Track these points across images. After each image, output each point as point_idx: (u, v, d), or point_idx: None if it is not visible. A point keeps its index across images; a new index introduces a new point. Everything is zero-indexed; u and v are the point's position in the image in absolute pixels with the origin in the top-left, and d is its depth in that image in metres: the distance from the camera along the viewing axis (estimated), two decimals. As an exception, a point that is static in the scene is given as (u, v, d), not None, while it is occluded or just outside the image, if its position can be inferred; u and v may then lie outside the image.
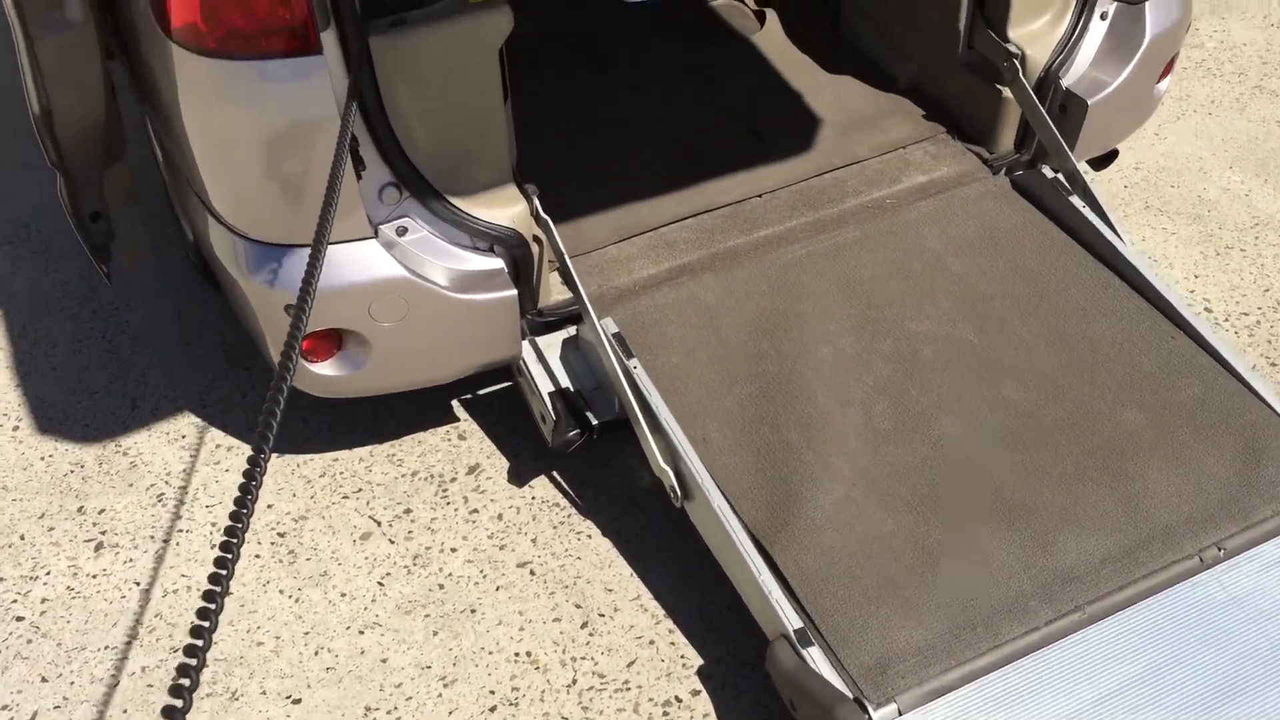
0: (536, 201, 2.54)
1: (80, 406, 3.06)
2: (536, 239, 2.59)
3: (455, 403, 3.00)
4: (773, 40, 3.45)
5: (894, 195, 2.95)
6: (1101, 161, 3.26)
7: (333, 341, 2.51)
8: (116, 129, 2.66)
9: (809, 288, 2.72)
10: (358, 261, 2.38)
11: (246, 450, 2.92)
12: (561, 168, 2.98)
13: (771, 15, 3.51)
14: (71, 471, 2.89)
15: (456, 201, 2.47)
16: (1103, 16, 2.96)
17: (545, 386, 2.63)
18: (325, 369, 2.54)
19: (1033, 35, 2.94)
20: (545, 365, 2.66)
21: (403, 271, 2.40)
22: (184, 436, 2.97)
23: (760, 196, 2.96)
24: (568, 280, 2.56)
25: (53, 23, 2.41)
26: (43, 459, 2.93)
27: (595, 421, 2.56)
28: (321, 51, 2.14)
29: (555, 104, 3.20)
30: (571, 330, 2.70)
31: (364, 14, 2.20)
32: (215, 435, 2.97)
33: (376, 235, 2.41)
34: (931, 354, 2.57)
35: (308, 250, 2.36)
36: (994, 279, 2.73)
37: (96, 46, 2.41)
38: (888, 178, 3.00)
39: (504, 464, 2.86)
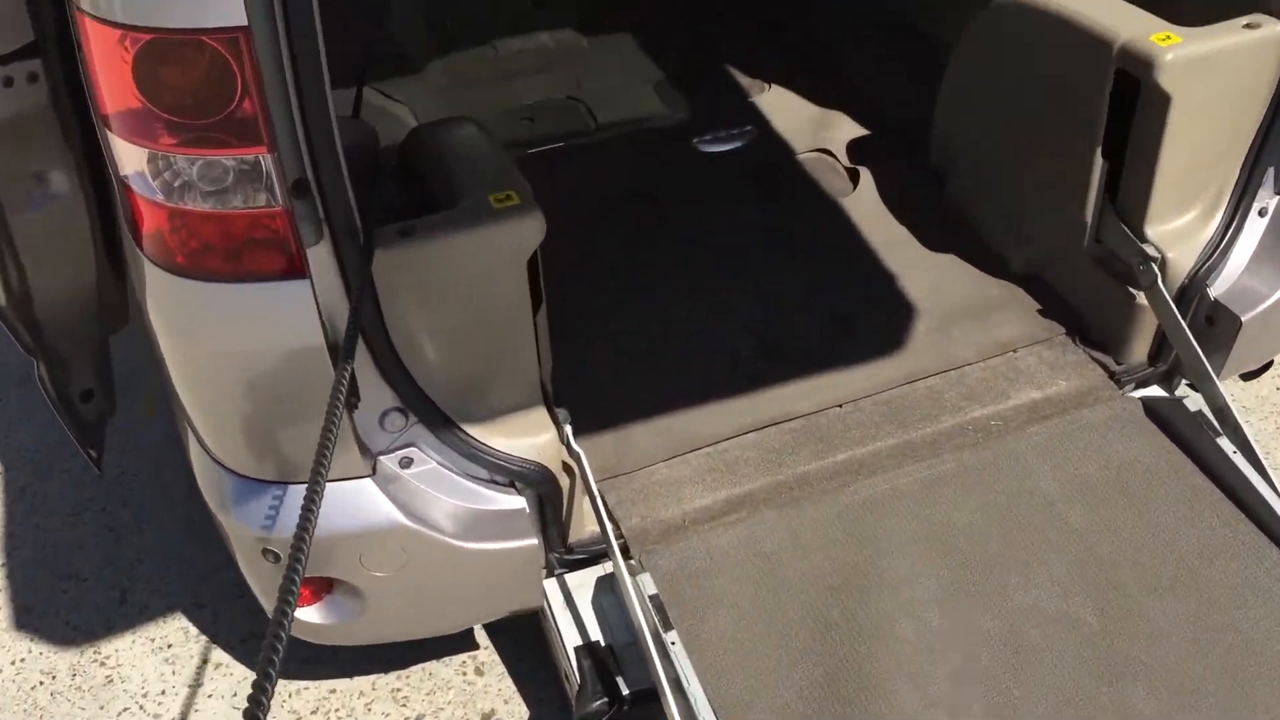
0: (569, 430, 2.15)
1: (66, 597, 2.74)
2: (568, 467, 2.20)
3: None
4: (866, 205, 3.02)
5: (1000, 415, 2.49)
6: (1254, 371, 2.76)
7: (321, 584, 2.14)
8: (116, 295, 2.35)
9: (893, 536, 2.27)
10: (348, 505, 2.01)
11: (234, 672, 2.56)
12: (605, 361, 2.58)
13: (866, 175, 3.09)
14: (41, 684, 2.56)
15: (472, 429, 2.08)
16: (1261, 213, 2.49)
17: (572, 639, 2.21)
18: (312, 615, 2.17)
19: (1175, 234, 2.47)
20: (573, 612, 2.25)
21: (401, 519, 2.02)
22: (170, 646, 2.61)
23: (841, 407, 2.52)
24: (600, 526, 2.15)
25: (35, 199, 2.13)
26: (13, 663, 2.60)
27: (627, 691, 2.13)
28: (307, 275, 1.78)
29: (600, 279, 2.80)
30: (608, 567, 2.29)
31: (365, 225, 1.84)
32: (203, 647, 2.61)
33: (374, 472, 2.03)
34: (1040, 638, 2.10)
35: (292, 488, 2.04)
36: (1121, 538, 2.24)
37: (87, 214, 2.11)
38: (994, 391, 2.54)
39: (524, 714, 2.45)
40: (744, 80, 3.49)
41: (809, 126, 3.29)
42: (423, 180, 2.15)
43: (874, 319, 2.71)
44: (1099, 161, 2.49)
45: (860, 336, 2.67)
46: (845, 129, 3.26)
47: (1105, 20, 2.42)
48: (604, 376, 2.54)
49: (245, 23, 1.57)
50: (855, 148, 3.20)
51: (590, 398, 2.43)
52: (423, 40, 3.58)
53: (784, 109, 3.36)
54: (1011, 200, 2.82)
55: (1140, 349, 2.58)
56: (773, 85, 3.45)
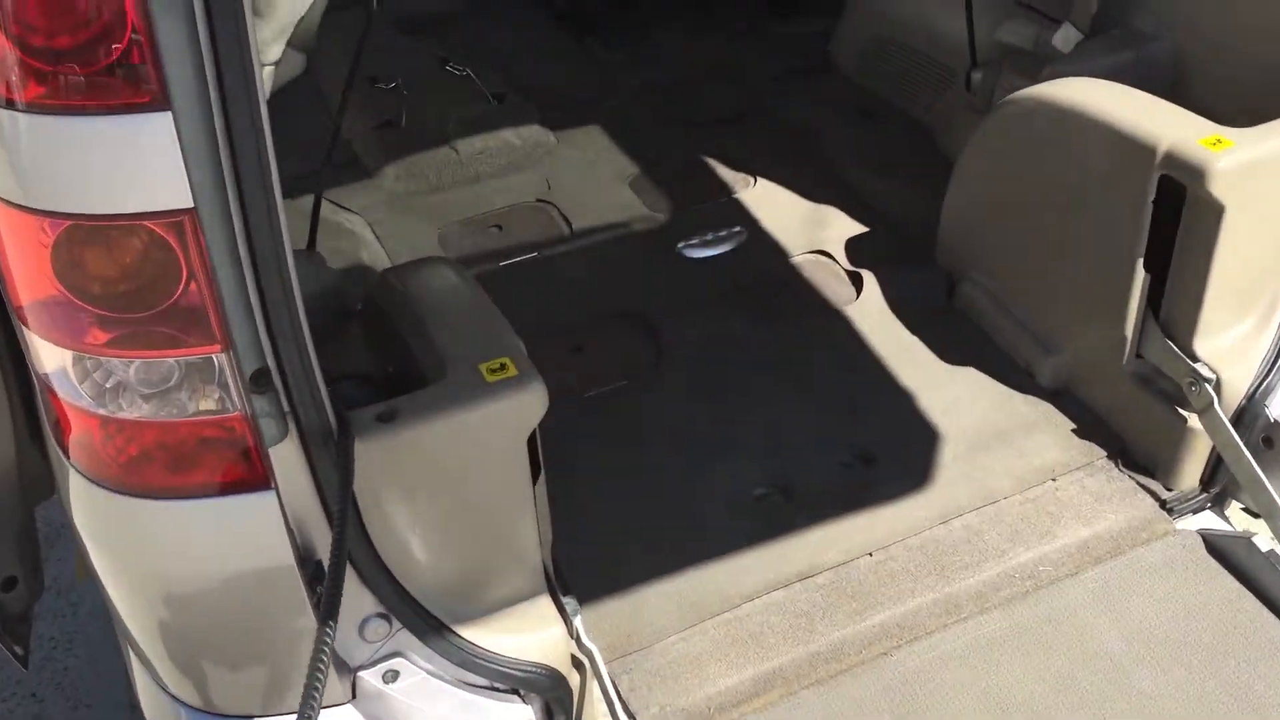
0: (579, 623, 1.86)
1: (-11, 807, 2.39)
2: (577, 661, 1.91)
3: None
4: (872, 314, 2.77)
5: (1049, 559, 2.24)
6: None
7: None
8: (40, 465, 2.03)
9: (945, 713, 2.00)
10: (324, 737, 1.70)
11: None
12: (603, 520, 2.30)
13: (869, 278, 2.84)
14: None
15: (468, 631, 1.79)
16: (1321, 322, 2.28)
17: None
18: None
19: (1229, 351, 2.25)
20: (587, 825, 1.96)
21: (385, 751, 1.71)
22: None
23: (871, 555, 2.26)
24: (616, 732, 1.86)
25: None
26: None
27: None
28: (270, 484, 1.49)
29: (589, 426, 2.51)
30: (624, 765, 2.00)
31: (341, 420, 1.55)
32: None
33: (354, 695, 1.73)
34: (1128, 836, 1.84)
35: (256, 724, 1.73)
36: (1200, 705, 2.00)
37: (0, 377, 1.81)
38: (1038, 529, 2.29)
39: None
40: (727, 174, 3.25)
41: (802, 225, 3.05)
42: (396, 338, 1.86)
43: (896, 449, 2.45)
44: (1140, 273, 2.27)
45: (884, 470, 2.41)
46: (841, 226, 3.02)
47: (1146, 122, 2.20)
48: (605, 538, 2.25)
49: (190, 204, 1.28)
50: (854, 248, 2.96)
51: (592, 565, 2.15)
52: (375, 142, 3.29)
53: (773, 206, 3.12)
54: (1037, 309, 2.58)
55: (1191, 474, 2.35)
56: (758, 179, 3.21)
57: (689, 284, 2.89)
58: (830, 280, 2.89)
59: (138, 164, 1.26)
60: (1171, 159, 2.13)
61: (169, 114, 1.24)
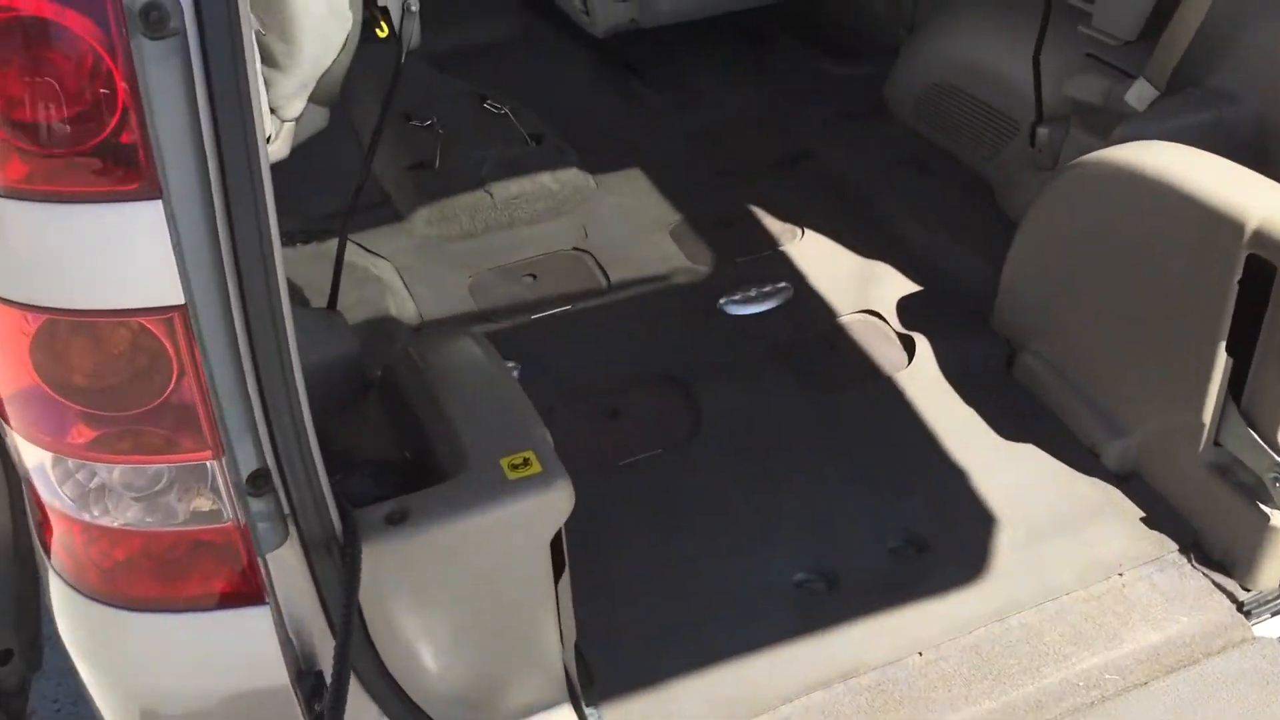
0: None
1: None
2: (602, 774, 1.76)
3: None
4: (925, 382, 2.61)
5: (1115, 666, 2.06)
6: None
7: None
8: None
9: (1003, 842, 1.83)
10: None
11: None
12: (635, 599, 2.14)
13: (923, 343, 2.68)
14: None
15: (482, 745, 1.64)
16: None
17: None
18: None
19: (1318, 445, 2.07)
20: None
21: None
22: None
23: (921, 655, 2.09)
24: None
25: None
26: None
27: None
28: (265, 598, 1.35)
29: (620, 505, 2.34)
30: None
31: (345, 514, 1.41)
32: None
33: (355, 814, 1.59)
34: None
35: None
36: (1286, 843, 1.82)
37: None
38: (1104, 631, 2.11)
39: None
40: (773, 224, 3.10)
41: (851, 282, 2.89)
42: (414, 419, 1.72)
43: (949, 534, 2.28)
44: (1222, 356, 2.09)
45: (935, 558, 2.24)
46: (893, 285, 2.86)
47: (1233, 194, 2.03)
48: (633, 627, 2.09)
49: (182, 300, 1.15)
50: (906, 309, 2.80)
51: (618, 659, 2.00)
52: (407, 183, 3.17)
53: (821, 260, 2.96)
54: (1105, 386, 2.41)
55: (1272, 574, 2.16)
56: (806, 231, 3.06)
57: (730, 343, 2.73)
58: (880, 343, 2.73)
59: (125, 256, 1.13)
60: (1261, 237, 1.96)
61: (159, 203, 1.11)
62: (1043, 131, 2.78)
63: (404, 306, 2.83)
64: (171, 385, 1.22)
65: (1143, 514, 2.31)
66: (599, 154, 3.33)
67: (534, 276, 2.96)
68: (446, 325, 2.79)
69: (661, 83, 3.70)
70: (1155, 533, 2.27)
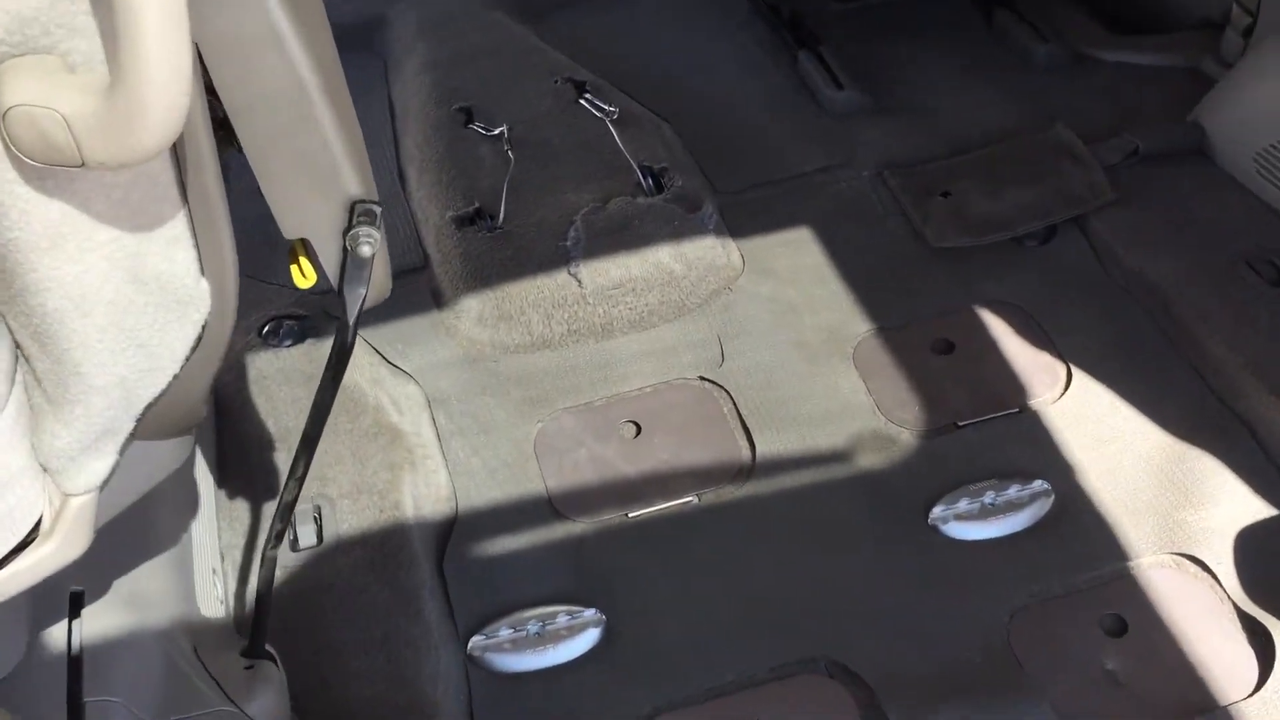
0: None
1: None
2: None
3: None
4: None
5: None
6: None
7: None
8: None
9: None
10: None
11: None
12: None
13: (1286, 642, 1.56)
14: None
15: None
16: None
17: None
18: None
19: None
20: None
21: None
22: None
23: None
24: None
25: None
26: None
27: None
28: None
29: None
30: None
31: None
32: None
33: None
34: None
35: None
36: None
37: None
38: None
39: None
40: (1023, 355, 1.94)
41: (1155, 483, 1.75)
42: None
43: None
44: None
45: None
46: (1233, 499, 1.71)
47: None
48: None
49: None
50: (1260, 554, 1.66)
51: None
52: (452, 247, 2.08)
53: (1103, 431, 1.82)
54: None
55: None
56: (1076, 372, 1.90)
57: (954, 595, 1.65)
58: (1218, 641, 1.61)
59: None
60: None
61: None
62: None
63: (428, 487, 1.79)
64: None
65: None
66: (751, 199, 2.19)
67: (638, 428, 1.88)
68: (488, 521, 1.76)
69: (855, 71, 2.47)
70: None
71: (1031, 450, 1.81)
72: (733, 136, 2.33)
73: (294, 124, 0.81)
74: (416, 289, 2.07)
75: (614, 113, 2.27)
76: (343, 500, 1.74)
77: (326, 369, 0.99)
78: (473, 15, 2.59)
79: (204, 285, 0.82)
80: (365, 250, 0.91)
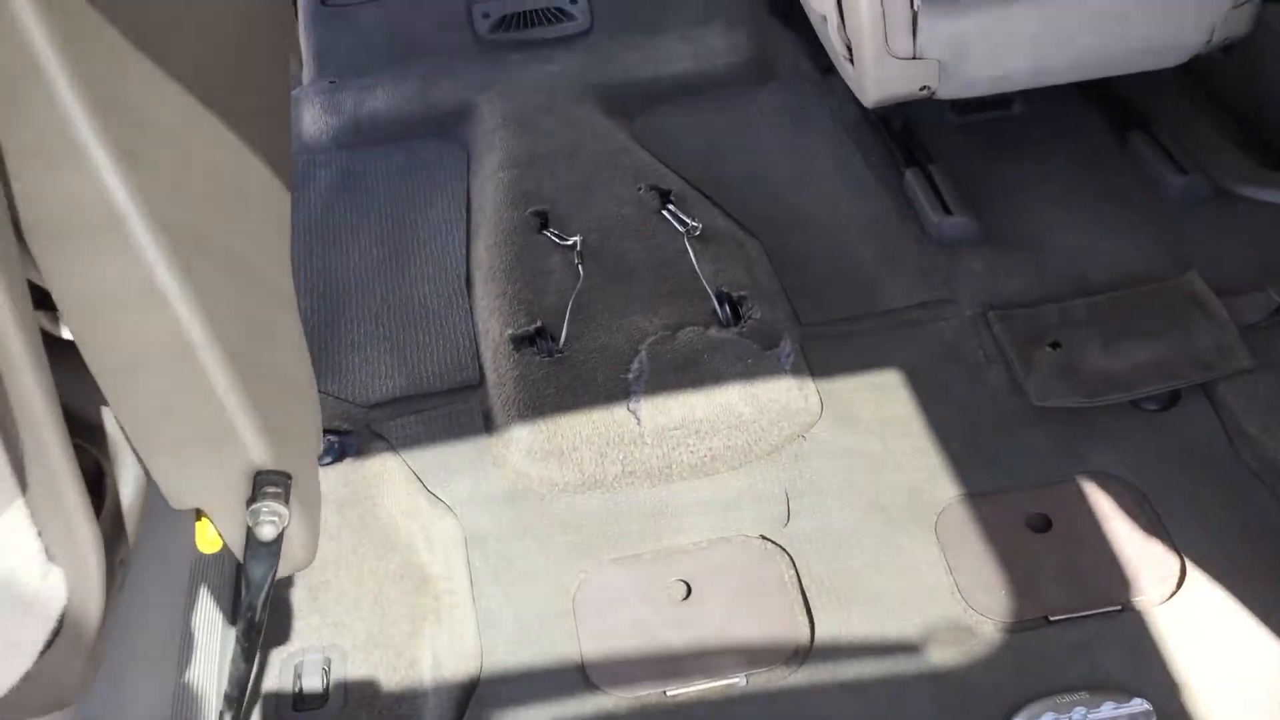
0: None
1: None
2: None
3: None
4: None
5: None
6: None
7: None
8: None
9: None
10: None
11: None
12: None
13: None
14: None
15: None
16: None
17: None
18: None
19: None
20: None
21: None
22: None
23: None
24: None
25: None
26: None
27: None
28: None
29: None
30: None
31: None
32: None
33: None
34: None
35: None
36: None
37: None
38: None
39: None
40: (1128, 543, 1.72)
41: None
42: None
43: None
44: None
45: None
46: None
47: None
48: None
49: None
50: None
51: None
52: (508, 369, 1.94)
53: (1231, 637, 1.59)
54: None
55: None
56: (1191, 568, 1.67)
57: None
58: None
59: None
60: None
61: None
62: None
63: (452, 641, 1.64)
64: None
65: None
66: (837, 334, 2.00)
67: (688, 588, 1.70)
68: (512, 689, 1.60)
69: (966, 194, 2.27)
70: None
71: (1132, 660, 1.58)
72: (824, 259, 2.15)
73: (177, 384, 0.67)
74: (469, 409, 1.93)
75: (697, 229, 2.11)
76: (356, 653, 1.60)
77: (236, 641, 0.85)
78: (561, 108, 2.47)
79: (54, 573, 0.69)
80: (267, 532, 0.76)
